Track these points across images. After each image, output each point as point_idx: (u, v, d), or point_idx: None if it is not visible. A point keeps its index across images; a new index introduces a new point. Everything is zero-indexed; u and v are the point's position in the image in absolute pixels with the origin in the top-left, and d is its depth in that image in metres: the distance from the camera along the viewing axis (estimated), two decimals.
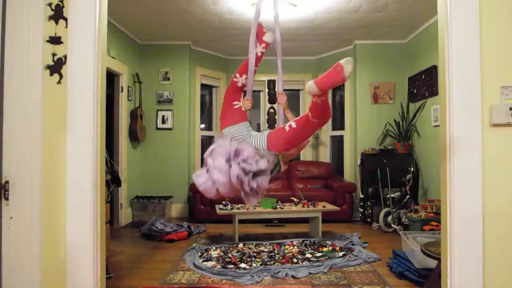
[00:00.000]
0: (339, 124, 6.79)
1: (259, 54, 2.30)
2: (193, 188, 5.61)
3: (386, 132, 5.81)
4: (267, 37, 2.26)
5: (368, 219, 5.51)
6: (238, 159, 1.81)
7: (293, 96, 7.11)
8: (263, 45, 2.29)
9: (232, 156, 1.83)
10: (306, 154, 6.94)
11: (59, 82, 1.83)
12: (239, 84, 2.23)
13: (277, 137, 2.01)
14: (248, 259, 3.74)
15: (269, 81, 6.85)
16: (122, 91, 5.45)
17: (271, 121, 6.76)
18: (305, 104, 6.91)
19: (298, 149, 2.36)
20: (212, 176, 1.81)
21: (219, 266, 3.56)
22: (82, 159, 1.83)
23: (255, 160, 1.83)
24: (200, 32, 5.56)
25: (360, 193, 5.70)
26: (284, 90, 2.56)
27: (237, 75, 2.23)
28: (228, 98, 2.19)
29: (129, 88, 5.68)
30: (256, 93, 6.93)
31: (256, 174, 1.81)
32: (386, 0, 4.40)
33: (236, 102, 2.17)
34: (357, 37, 5.83)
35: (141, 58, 6.06)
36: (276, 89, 6.86)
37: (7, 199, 1.72)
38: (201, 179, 1.83)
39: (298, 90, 7.10)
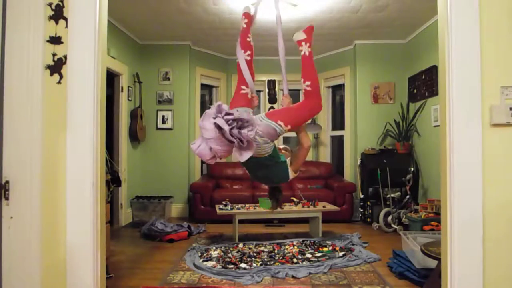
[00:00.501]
0: (339, 124, 6.79)
1: (247, 58, 2.40)
2: (193, 188, 5.61)
3: (386, 132, 5.81)
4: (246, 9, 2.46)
5: (368, 219, 5.51)
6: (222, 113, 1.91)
7: (293, 96, 7.09)
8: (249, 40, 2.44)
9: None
10: None
11: (59, 82, 1.83)
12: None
13: (276, 110, 2.35)
14: (248, 259, 3.74)
15: (269, 81, 6.85)
16: (122, 91, 5.45)
17: None
18: None
19: (303, 152, 2.43)
20: (203, 137, 1.90)
21: (219, 266, 3.56)
22: (82, 159, 1.83)
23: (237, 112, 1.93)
24: (200, 32, 5.56)
25: (360, 193, 5.70)
26: None
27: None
28: (238, 84, 2.42)
29: (129, 88, 5.69)
30: (256, 93, 6.92)
31: (240, 127, 1.86)
32: (386, 0, 4.40)
33: (243, 87, 2.37)
34: (357, 37, 5.83)
35: (141, 58, 6.06)
36: (276, 89, 6.88)
37: (7, 199, 1.72)
38: (195, 145, 1.94)
39: (298, 90, 7.10)
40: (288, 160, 2.45)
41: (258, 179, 2.57)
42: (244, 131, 1.85)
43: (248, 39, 2.40)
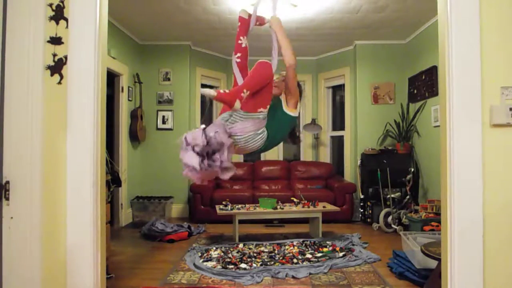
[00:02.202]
0: (339, 124, 6.79)
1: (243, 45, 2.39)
2: (193, 189, 5.61)
3: (386, 133, 5.81)
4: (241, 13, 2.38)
5: (368, 220, 5.51)
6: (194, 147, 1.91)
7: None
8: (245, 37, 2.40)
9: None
10: (306, 155, 6.94)
11: (59, 83, 1.84)
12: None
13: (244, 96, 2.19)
14: (248, 260, 3.74)
15: None
16: (122, 91, 5.45)
17: None
18: (305, 104, 6.92)
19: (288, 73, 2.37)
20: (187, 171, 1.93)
21: (219, 267, 3.56)
22: (82, 159, 1.83)
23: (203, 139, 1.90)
24: (200, 32, 5.57)
25: (360, 194, 5.70)
26: None
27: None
28: (233, 86, 2.38)
29: (130, 88, 5.69)
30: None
31: (212, 153, 1.87)
32: (386, 0, 4.40)
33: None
34: (357, 37, 5.83)
35: (141, 58, 6.07)
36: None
37: (7, 199, 1.72)
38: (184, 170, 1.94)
39: None
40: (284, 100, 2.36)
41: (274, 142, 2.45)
42: (216, 156, 1.88)
43: (240, 42, 2.40)
